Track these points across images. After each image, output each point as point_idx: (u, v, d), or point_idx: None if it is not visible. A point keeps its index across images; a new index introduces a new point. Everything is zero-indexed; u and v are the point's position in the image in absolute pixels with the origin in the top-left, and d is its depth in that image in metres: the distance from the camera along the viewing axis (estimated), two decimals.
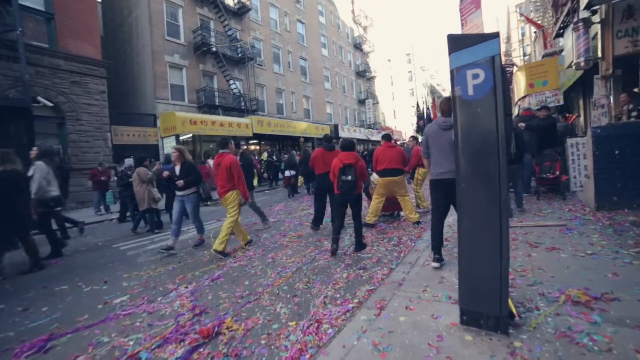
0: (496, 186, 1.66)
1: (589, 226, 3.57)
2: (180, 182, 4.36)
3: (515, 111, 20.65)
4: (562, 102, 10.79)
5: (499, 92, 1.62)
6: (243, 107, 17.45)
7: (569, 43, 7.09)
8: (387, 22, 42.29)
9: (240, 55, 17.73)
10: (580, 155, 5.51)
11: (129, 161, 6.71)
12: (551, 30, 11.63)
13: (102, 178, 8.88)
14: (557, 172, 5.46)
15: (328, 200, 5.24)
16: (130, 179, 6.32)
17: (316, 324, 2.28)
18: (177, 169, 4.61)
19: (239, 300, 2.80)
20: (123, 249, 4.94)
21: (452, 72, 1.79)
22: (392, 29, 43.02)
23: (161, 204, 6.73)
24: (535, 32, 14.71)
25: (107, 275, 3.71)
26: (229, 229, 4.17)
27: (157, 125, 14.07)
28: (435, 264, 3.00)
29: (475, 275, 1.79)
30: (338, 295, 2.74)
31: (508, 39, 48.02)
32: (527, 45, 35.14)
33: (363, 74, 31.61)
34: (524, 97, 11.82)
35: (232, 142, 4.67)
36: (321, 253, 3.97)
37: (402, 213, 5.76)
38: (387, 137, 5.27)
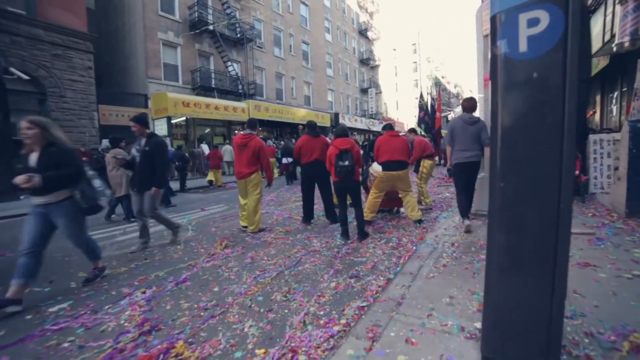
0: (554, 189, 1.11)
1: (624, 237, 3.05)
2: (33, 180, 2.34)
3: None
4: None
5: (573, 47, 1.05)
6: (240, 91, 16.70)
7: (597, 27, 6.42)
8: (394, 8, 40.85)
9: (239, 35, 16.86)
10: (604, 153, 4.95)
11: (106, 142, 6.12)
12: None
13: (84, 159, 8.30)
14: (577, 172, 4.91)
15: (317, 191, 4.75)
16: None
17: (290, 355, 1.77)
18: (33, 157, 2.53)
19: (202, 314, 2.29)
20: None
21: (493, 19, 1.22)
22: (398, 16, 41.57)
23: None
24: None
25: (58, 272, 3.20)
26: (257, 208, 4.37)
27: (148, 106, 13.39)
28: (467, 221, 3.87)
29: (510, 312, 1.26)
30: (322, 313, 2.23)
31: None
32: None
33: (367, 61, 30.60)
34: None
35: (258, 125, 4.64)
36: (308, 254, 3.45)
37: (402, 209, 5.24)
38: (389, 127, 4.68)
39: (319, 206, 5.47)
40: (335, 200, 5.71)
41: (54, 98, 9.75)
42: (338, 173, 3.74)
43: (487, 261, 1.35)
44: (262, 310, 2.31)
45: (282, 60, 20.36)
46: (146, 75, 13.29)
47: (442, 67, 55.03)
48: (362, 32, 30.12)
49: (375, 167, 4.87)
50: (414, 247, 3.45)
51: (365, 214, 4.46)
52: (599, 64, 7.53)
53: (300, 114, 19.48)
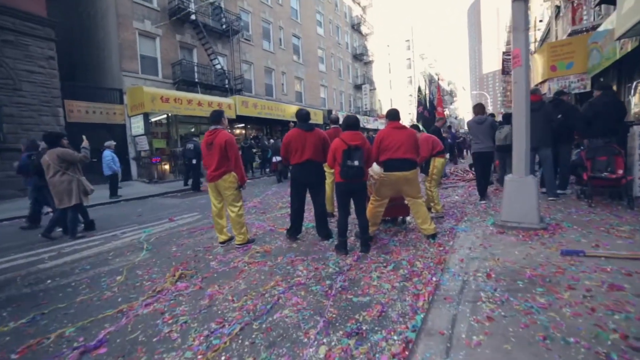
0: None
1: None
2: None
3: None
4: (588, 89, 9.38)
5: None
6: (227, 86, 15.61)
7: (630, 1, 5.57)
8: (387, 3, 39.91)
9: (224, 27, 15.75)
10: None
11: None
12: (582, 2, 10.10)
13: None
14: (621, 171, 4.07)
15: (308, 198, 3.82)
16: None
17: None
18: None
19: None
20: (2, 267, 3.38)
21: None
22: (392, 11, 40.73)
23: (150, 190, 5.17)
24: (557, 6, 13.03)
25: None
26: (241, 219, 3.67)
27: (124, 102, 12.24)
28: (483, 202, 5.18)
29: None
30: None
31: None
32: (538, 29, 33.93)
33: (360, 57, 29.70)
34: (543, 82, 10.37)
35: (225, 116, 3.77)
36: (290, 290, 2.50)
37: (408, 218, 4.34)
38: (394, 115, 3.70)
39: (307, 214, 4.55)
40: (329, 207, 4.79)
41: (7, 91, 8.56)
42: (344, 174, 3.08)
43: None
44: None
45: (271, 54, 19.30)
46: (121, 68, 12.11)
47: (436, 64, 54.52)
48: (355, 27, 29.17)
49: (376, 168, 3.94)
50: (434, 277, 2.54)
51: None
52: (622, 48, 6.72)
53: (291, 111, 18.44)
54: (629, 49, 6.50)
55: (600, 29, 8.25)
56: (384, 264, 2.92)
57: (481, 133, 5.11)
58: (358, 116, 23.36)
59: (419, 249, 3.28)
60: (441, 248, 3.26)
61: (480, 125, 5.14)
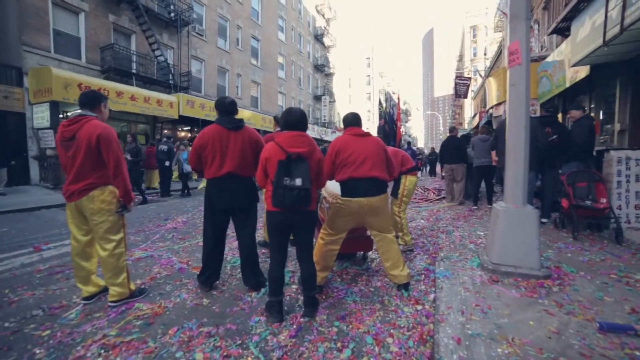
0: None
1: None
2: None
3: (475, 121, 20.28)
4: (538, 114, 9.70)
5: None
6: (170, 82, 13.67)
7: (584, 31, 5.49)
8: (351, 19, 40.92)
9: (172, 15, 13.93)
10: (631, 176, 3.71)
11: None
12: (530, 35, 10.64)
13: None
14: (605, 200, 3.58)
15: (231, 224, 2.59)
16: None
17: None
18: None
19: None
20: None
21: None
22: (354, 27, 41.85)
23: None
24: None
25: None
26: (120, 262, 2.29)
27: (24, 85, 9.72)
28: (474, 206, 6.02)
29: None
30: None
31: (461, 57, 50.96)
32: (478, 64, 37.30)
33: (322, 68, 29.42)
34: (499, 105, 10.57)
35: (106, 103, 2.43)
36: None
37: (369, 253, 3.34)
38: (353, 120, 2.61)
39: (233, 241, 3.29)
40: (266, 235, 3.60)
41: None
42: (278, 199, 1.92)
43: None
44: None
45: (226, 53, 17.75)
46: (20, 40, 9.64)
47: (393, 84, 57.27)
48: (318, 37, 28.92)
49: (332, 188, 2.90)
50: None
51: None
52: (573, 77, 6.79)
53: (244, 116, 16.93)
54: (577, 79, 6.58)
55: (549, 59, 8.54)
56: (338, 345, 1.81)
57: (482, 150, 5.90)
58: (316, 127, 22.36)
59: (388, 309, 2.25)
60: (419, 307, 2.27)
61: (483, 143, 5.95)
